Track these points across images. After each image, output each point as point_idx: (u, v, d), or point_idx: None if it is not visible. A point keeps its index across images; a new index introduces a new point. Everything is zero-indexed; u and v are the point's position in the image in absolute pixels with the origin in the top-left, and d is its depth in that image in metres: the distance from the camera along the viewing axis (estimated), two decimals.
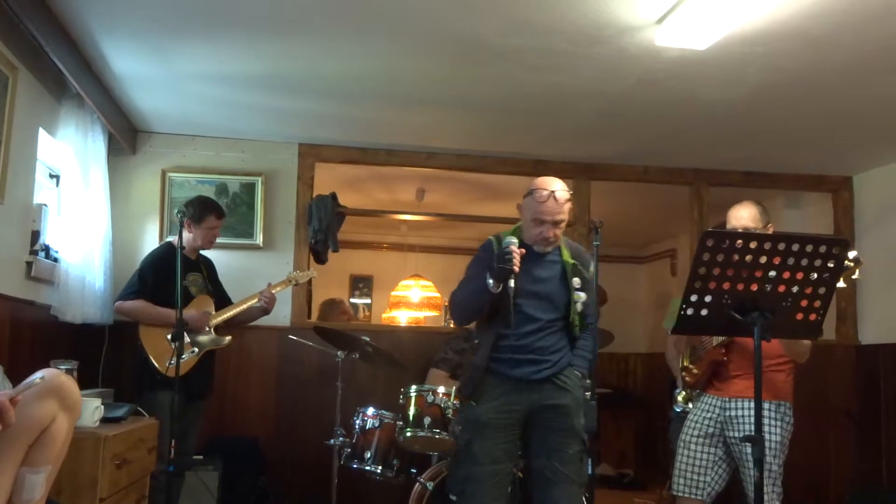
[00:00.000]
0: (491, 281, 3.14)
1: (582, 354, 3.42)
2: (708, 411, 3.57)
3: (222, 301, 4.57)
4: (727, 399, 3.50)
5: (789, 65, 3.92)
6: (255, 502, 4.85)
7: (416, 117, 4.99)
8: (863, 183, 5.97)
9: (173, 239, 4.45)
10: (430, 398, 4.31)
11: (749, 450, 3.30)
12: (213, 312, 4.40)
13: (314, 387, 5.15)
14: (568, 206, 3.36)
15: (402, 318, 7.88)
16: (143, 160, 5.35)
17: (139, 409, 3.89)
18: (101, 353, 4.83)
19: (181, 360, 3.83)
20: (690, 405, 4.26)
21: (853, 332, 5.86)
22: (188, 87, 4.53)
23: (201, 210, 4.40)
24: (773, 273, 2.59)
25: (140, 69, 4.26)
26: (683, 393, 4.28)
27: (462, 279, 3.45)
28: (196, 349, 4.26)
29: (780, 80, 4.13)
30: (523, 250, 3.18)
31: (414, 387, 4.38)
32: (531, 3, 3.35)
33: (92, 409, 3.25)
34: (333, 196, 5.55)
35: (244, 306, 4.48)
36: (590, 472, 3.24)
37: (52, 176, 4.62)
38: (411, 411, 4.33)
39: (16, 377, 2.81)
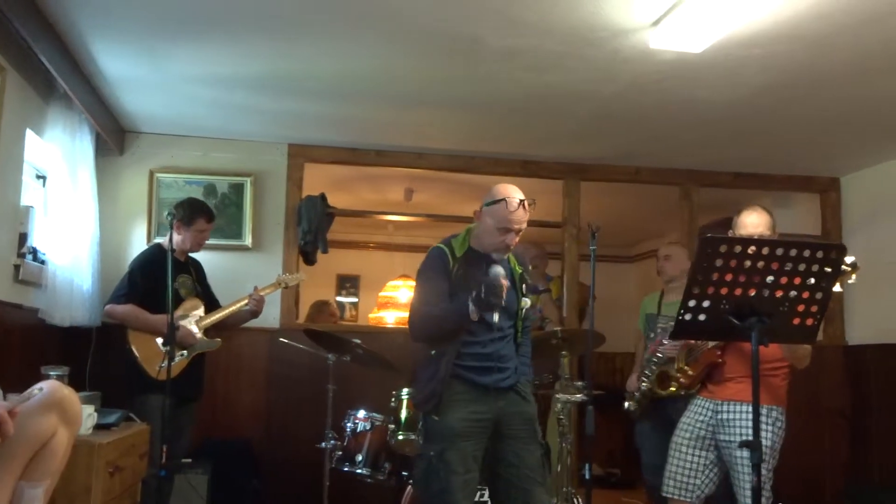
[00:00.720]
0: (473, 309, 3.07)
1: (526, 361, 3.46)
2: (700, 414, 3.56)
3: (211, 303, 4.53)
4: (720, 402, 3.50)
5: (784, 67, 3.93)
6: None
7: (408, 117, 4.97)
8: (851, 184, 6.01)
9: (162, 240, 4.41)
10: None
11: (741, 454, 3.33)
12: (203, 315, 4.37)
13: (305, 389, 5.11)
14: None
15: (390, 318, 7.85)
16: (130, 160, 5.30)
17: (130, 414, 3.85)
18: (88, 355, 4.77)
19: (172, 363, 3.80)
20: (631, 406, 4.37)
21: (841, 332, 5.90)
22: (177, 87, 4.48)
23: (191, 212, 4.36)
24: (770, 278, 2.59)
25: (129, 70, 4.22)
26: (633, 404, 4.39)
27: (421, 292, 3.33)
28: (186, 352, 4.22)
29: (775, 83, 4.14)
30: (507, 283, 3.09)
31: (406, 389, 4.37)
32: (526, 4, 3.34)
33: (85, 416, 3.21)
34: (323, 197, 5.52)
35: (233, 309, 4.45)
36: (587, 476, 3.25)
37: (38, 177, 4.56)
38: (403, 414, 4.33)
39: (5, 381, 2.78)
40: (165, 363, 3.84)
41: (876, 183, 5.75)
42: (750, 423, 2.67)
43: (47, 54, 3.67)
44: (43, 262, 4.28)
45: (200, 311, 4.37)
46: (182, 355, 4.18)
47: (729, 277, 2.57)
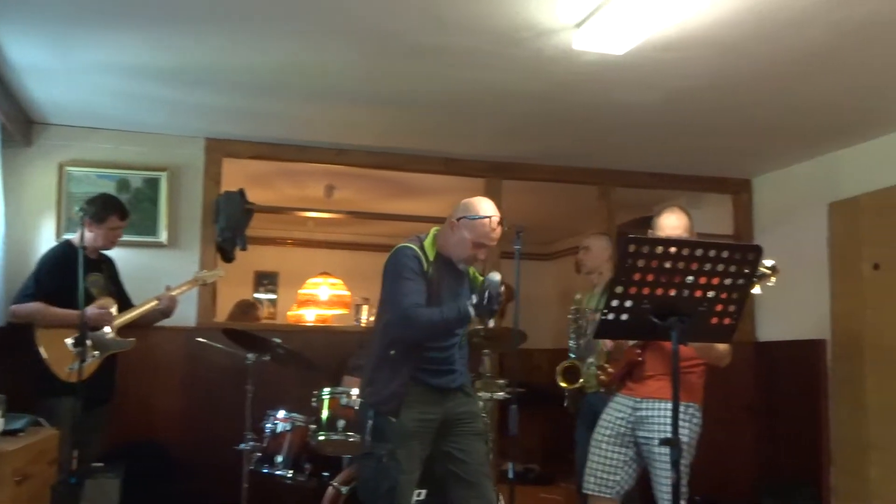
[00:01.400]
0: (474, 314, 3.17)
1: (464, 361, 3.56)
2: (620, 411, 3.62)
3: (124, 302, 4.39)
4: (639, 399, 3.56)
5: (700, 71, 4.02)
6: None
7: (330, 113, 4.91)
8: (762, 185, 6.20)
9: (72, 237, 4.24)
10: (343, 400, 4.27)
11: (660, 450, 3.39)
12: (116, 314, 4.22)
13: (223, 389, 4.99)
14: None
15: (310, 316, 7.75)
16: (38, 153, 5.08)
17: (38, 419, 3.69)
18: None
19: (83, 364, 3.66)
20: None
21: (751, 329, 6.09)
22: (88, 77, 4.32)
23: (103, 209, 4.21)
24: (690, 278, 2.64)
25: (36, 57, 4.04)
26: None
27: (404, 290, 3.28)
28: (97, 353, 4.08)
29: (692, 87, 4.24)
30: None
31: (327, 389, 4.32)
32: (450, 2, 3.33)
33: None
34: (241, 192, 5.40)
35: (145, 309, 4.33)
36: (511, 474, 3.28)
37: None
38: (324, 414, 4.28)
39: None
40: (76, 365, 3.69)
41: (786, 184, 5.95)
42: (668, 421, 2.72)
43: None
44: None
45: (113, 310, 4.22)
46: (94, 356, 4.04)
47: (650, 278, 2.61)
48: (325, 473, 4.37)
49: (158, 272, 4.86)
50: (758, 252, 2.71)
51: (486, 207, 3.37)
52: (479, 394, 4.43)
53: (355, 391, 4.25)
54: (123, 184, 5.17)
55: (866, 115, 4.73)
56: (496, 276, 3.13)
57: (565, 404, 4.71)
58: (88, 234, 4.13)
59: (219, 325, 4.98)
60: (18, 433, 3.33)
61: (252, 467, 4.34)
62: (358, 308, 6.61)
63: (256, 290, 9.08)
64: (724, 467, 5.69)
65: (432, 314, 3.25)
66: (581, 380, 4.55)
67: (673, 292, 2.65)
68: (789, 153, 5.60)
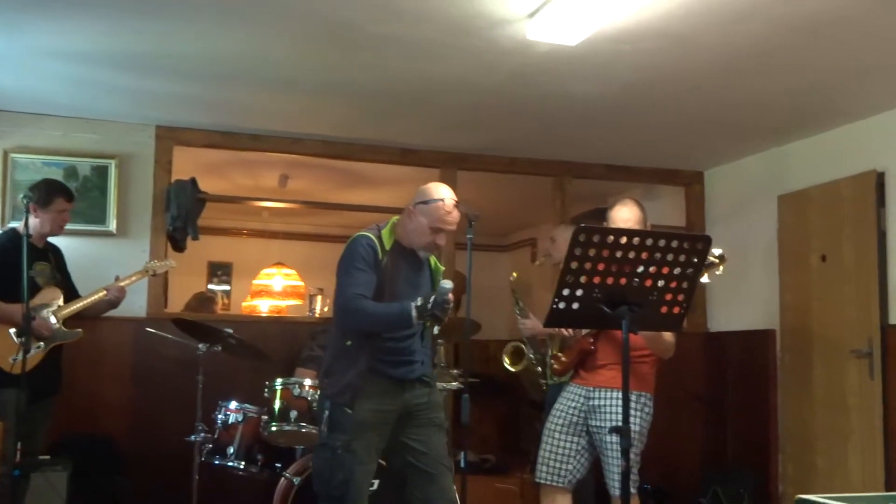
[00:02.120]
0: (415, 316, 3.08)
1: (428, 351, 3.50)
2: (572, 401, 3.65)
3: (71, 292, 4.31)
4: (591, 389, 3.59)
5: (652, 64, 4.05)
6: (110, 502, 4.61)
7: (283, 102, 4.86)
8: (714, 177, 6.28)
9: (17, 225, 4.14)
10: (296, 391, 4.24)
11: (611, 439, 3.43)
12: (62, 304, 4.14)
13: (173, 380, 4.92)
14: None
15: (264, 306, 7.68)
16: None
17: None
18: None
19: (27, 356, 3.59)
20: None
21: (703, 320, 6.17)
22: (35, 62, 4.21)
23: (48, 193, 4.14)
24: (640, 268, 2.67)
25: None
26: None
27: (353, 281, 3.25)
28: (42, 344, 4.01)
29: (643, 79, 4.27)
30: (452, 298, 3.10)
31: (280, 380, 4.29)
32: None
33: None
34: (193, 181, 5.32)
35: (92, 299, 4.26)
36: (463, 464, 3.28)
37: None
38: (277, 405, 4.24)
39: None
40: (19, 356, 3.62)
41: (737, 177, 6.04)
42: (620, 409, 2.74)
43: None
44: None
45: (59, 301, 4.15)
46: (38, 347, 3.96)
47: (601, 267, 2.63)
48: (278, 465, 4.33)
49: (107, 262, 4.79)
50: (707, 242, 2.74)
51: (440, 191, 3.34)
52: None
53: (308, 381, 4.24)
54: (71, 171, 5.07)
55: (813, 110, 4.80)
56: (447, 285, 3.05)
57: (530, 395, 4.70)
58: (34, 221, 4.05)
59: (169, 316, 4.90)
60: None
61: (203, 459, 4.29)
62: (312, 299, 6.57)
63: (210, 281, 8.97)
64: (673, 456, 5.77)
65: (375, 308, 3.21)
66: (524, 362, 4.55)
67: (623, 281, 2.67)
68: (740, 146, 5.68)
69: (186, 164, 5.61)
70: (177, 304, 6.37)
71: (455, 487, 3.51)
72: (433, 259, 3.48)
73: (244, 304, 8.09)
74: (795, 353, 5.37)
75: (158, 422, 4.96)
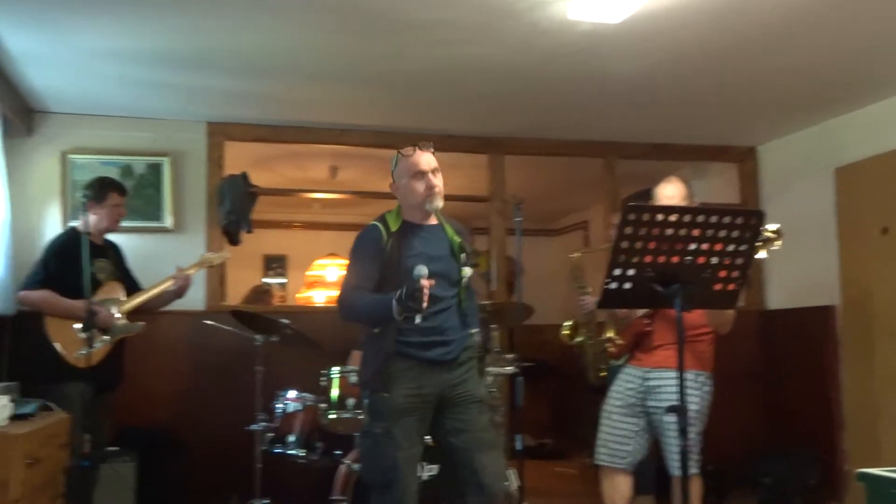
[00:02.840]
0: (397, 308, 2.98)
1: (474, 324, 3.38)
2: (629, 382, 3.63)
3: (132, 287, 4.40)
4: (648, 369, 3.57)
5: (698, 38, 3.98)
6: (175, 492, 4.73)
7: (329, 94, 4.90)
8: (766, 153, 6.16)
9: (77, 224, 4.26)
10: (352, 379, 4.28)
11: (669, 419, 3.40)
12: (124, 298, 4.24)
13: (233, 372, 5.02)
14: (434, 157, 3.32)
15: (319, 297, 7.77)
16: (40, 141, 5.09)
17: (48, 403, 3.72)
18: (3, 344, 4.58)
19: (92, 350, 3.69)
20: None
21: (760, 298, 6.07)
22: (87, 63, 4.31)
23: (101, 189, 4.26)
24: (693, 245, 2.64)
25: (33, 44, 4.03)
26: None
27: (349, 274, 3.28)
28: (108, 338, 4.10)
29: (690, 53, 4.19)
30: (433, 281, 2.95)
31: (336, 368, 4.34)
32: None
33: (0, 406, 3.09)
34: (244, 176, 5.40)
35: (157, 290, 4.33)
36: (519, 446, 3.27)
37: None
38: (334, 393, 4.30)
39: None
40: (85, 350, 3.72)
41: (791, 151, 5.91)
42: (677, 389, 2.72)
43: None
44: None
45: (121, 295, 4.25)
46: (103, 341, 4.06)
47: (653, 245, 2.61)
48: (337, 452, 4.39)
49: (165, 257, 4.87)
50: (760, 217, 2.70)
51: (400, 151, 3.33)
52: (488, 369, 4.44)
53: None
54: (127, 170, 5.18)
55: (865, 78, 4.67)
56: (419, 271, 2.89)
57: (588, 380, 4.65)
58: (92, 217, 4.16)
59: (227, 308, 4.99)
60: (29, 417, 3.36)
61: (264, 448, 4.37)
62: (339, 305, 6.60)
63: (266, 274, 9.11)
64: (733, 436, 5.68)
65: (362, 302, 3.17)
66: (579, 337, 4.49)
67: (675, 259, 2.65)
68: (793, 120, 5.55)
69: (237, 159, 5.70)
70: (234, 297, 6.47)
71: (505, 462, 3.42)
72: (450, 231, 3.36)
73: (299, 295, 8.20)
74: (857, 329, 5.25)
75: (220, 412, 5.06)
